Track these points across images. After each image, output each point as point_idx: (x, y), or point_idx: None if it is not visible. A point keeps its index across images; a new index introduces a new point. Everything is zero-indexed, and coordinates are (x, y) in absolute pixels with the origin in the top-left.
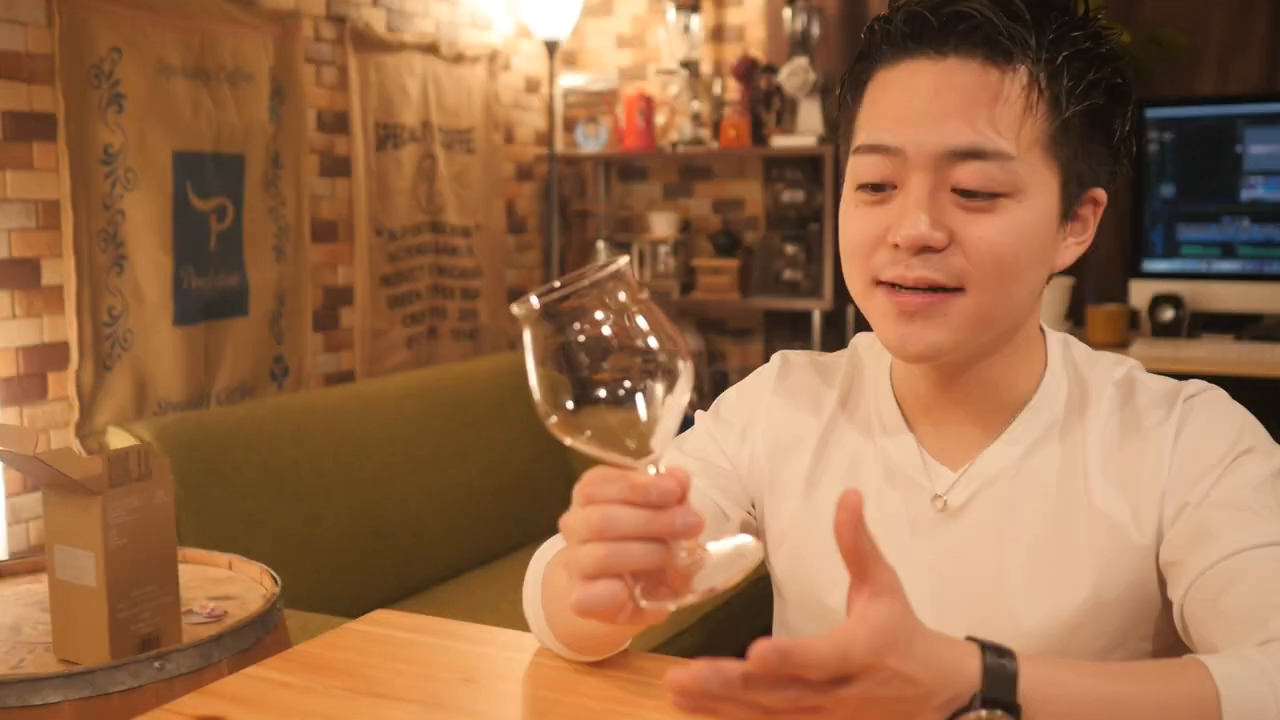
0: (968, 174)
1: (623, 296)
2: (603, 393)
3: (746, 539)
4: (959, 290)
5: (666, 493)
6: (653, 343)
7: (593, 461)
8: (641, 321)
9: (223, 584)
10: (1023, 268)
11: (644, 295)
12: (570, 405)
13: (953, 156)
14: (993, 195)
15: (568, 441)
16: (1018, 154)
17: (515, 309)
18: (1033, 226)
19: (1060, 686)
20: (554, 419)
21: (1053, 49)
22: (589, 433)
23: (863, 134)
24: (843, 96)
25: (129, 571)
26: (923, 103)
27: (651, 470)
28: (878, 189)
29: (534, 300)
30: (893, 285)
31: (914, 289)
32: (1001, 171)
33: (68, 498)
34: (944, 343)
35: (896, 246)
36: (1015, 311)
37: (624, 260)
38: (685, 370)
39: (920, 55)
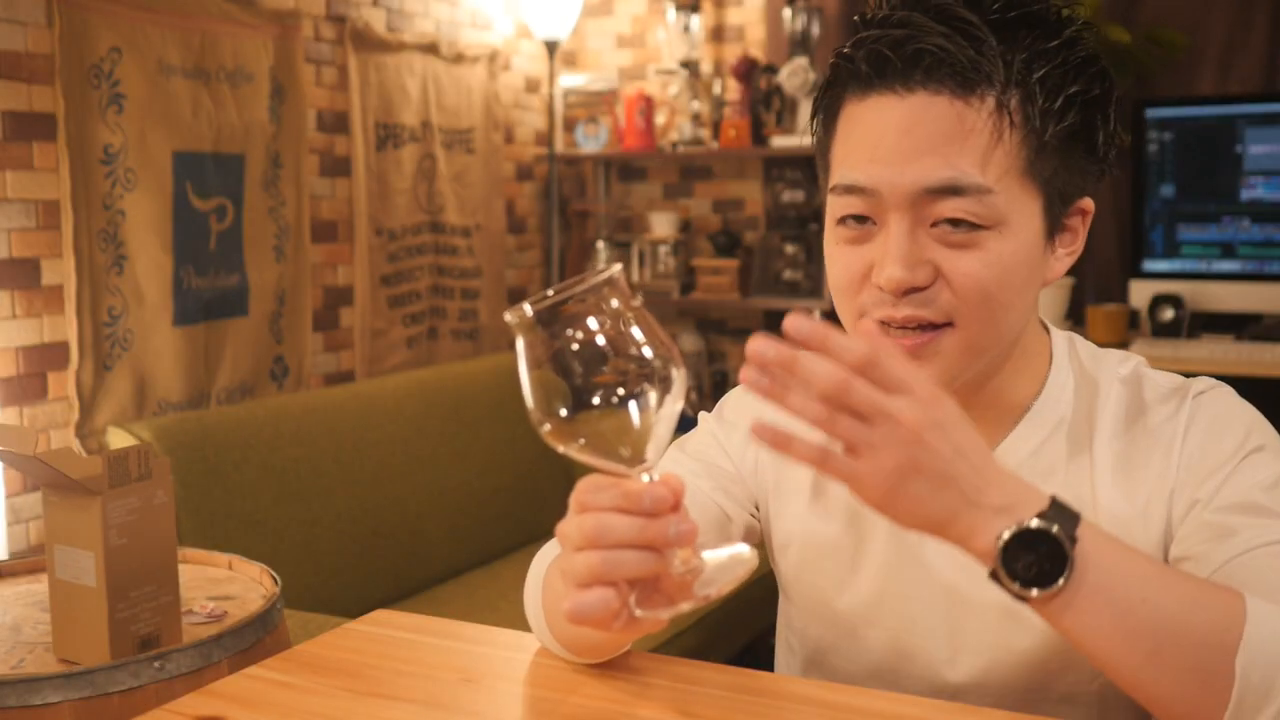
0: (945, 210)
1: (615, 303)
2: (596, 400)
3: (743, 547)
4: (948, 325)
5: (659, 500)
6: (646, 350)
7: (591, 465)
8: (635, 329)
9: (223, 584)
10: (1010, 297)
11: (637, 302)
12: (564, 413)
13: (929, 194)
14: (973, 228)
15: (561, 449)
16: (994, 185)
17: (508, 317)
18: (1016, 256)
19: (1112, 544)
20: (547, 426)
21: (1023, 71)
22: (582, 440)
23: (838, 172)
24: (815, 126)
25: (129, 571)
26: (892, 141)
27: (645, 478)
28: (859, 222)
29: (527, 308)
30: (882, 323)
31: (903, 328)
32: (980, 205)
33: (68, 498)
34: (938, 378)
35: (882, 288)
36: (1006, 337)
37: (617, 267)
38: (679, 378)
39: (886, 91)
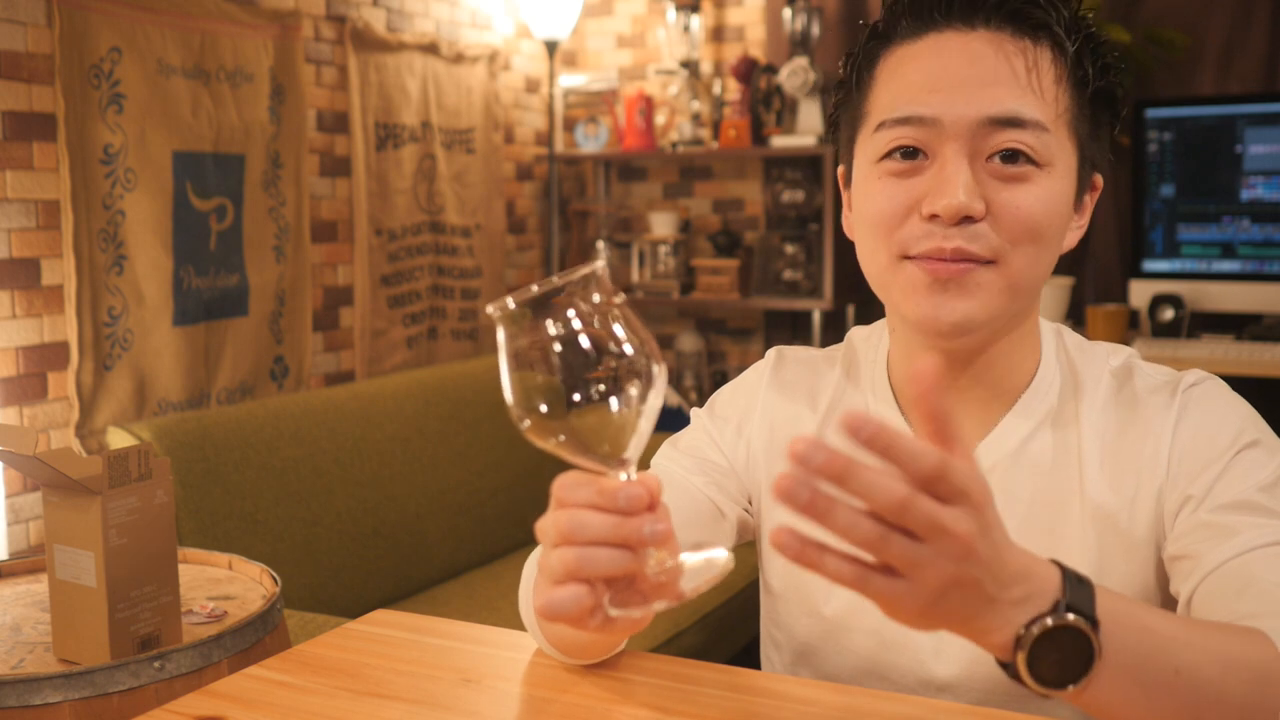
0: (1004, 140)
1: (597, 299)
2: (576, 396)
3: (719, 550)
4: (991, 263)
5: (634, 499)
6: (627, 347)
7: (571, 462)
8: (616, 325)
9: (223, 584)
10: (1051, 237)
11: (619, 299)
12: (544, 408)
13: (991, 124)
14: (1028, 163)
15: (541, 445)
16: (1050, 125)
17: (490, 309)
18: (1060, 198)
19: (1133, 614)
20: (528, 423)
21: (1074, 25)
22: (562, 437)
23: (884, 110)
24: (849, 78)
25: (129, 571)
26: (957, 70)
27: (623, 476)
28: (908, 156)
29: (509, 301)
30: (926, 257)
31: (949, 261)
32: (1037, 141)
33: (68, 498)
34: (976, 314)
35: (933, 218)
36: (1038, 284)
37: (600, 263)
38: (659, 374)
39: (947, 28)
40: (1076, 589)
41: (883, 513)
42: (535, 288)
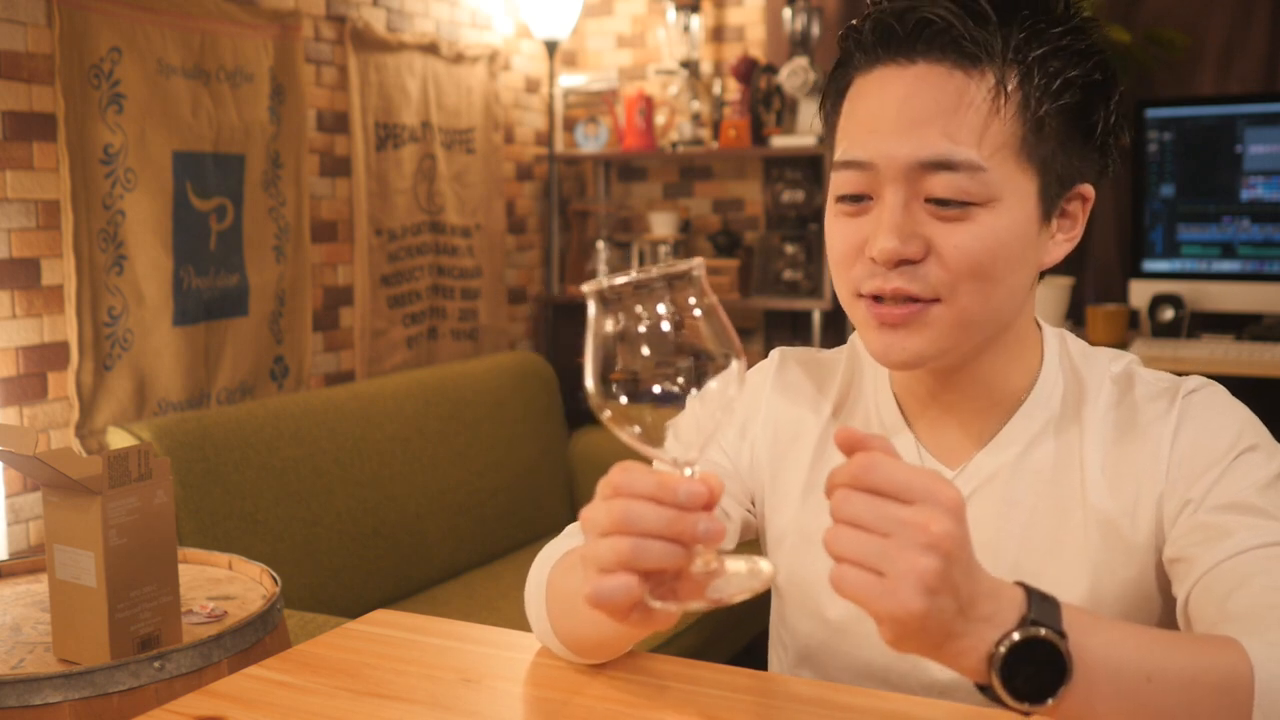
0: (939, 185)
1: (691, 297)
2: (656, 389)
3: (762, 561)
4: (936, 300)
5: (694, 495)
6: (710, 346)
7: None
8: (703, 324)
9: (223, 584)
10: (1002, 273)
11: (711, 299)
12: (624, 399)
13: (923, 168)
14: (965, 204)
15: (615, 433)
16: (986, 162)
17: (585, 287)
18: (1010, 232)
19: (1101, 626)
20: (607, 413)
21: (1022, 49)
22: (637, 428)
23: (840, 147)
24: (825, 105)
25: (129, 571)
26: (892, 113)
27: (687, 471)
28: (856, 200)
29: (603, 281)
30: (874, 297)
31: (893, 300)
32: (972, 182)
33: (68, 498)
34: (926, 350)
35: (874, 260)
36: (999, 314)
37: (698, 260)
38: (738, 374)
39: (890, 62)
40: (1041, 605)
41: (838, 518)
42: (633, 273)
